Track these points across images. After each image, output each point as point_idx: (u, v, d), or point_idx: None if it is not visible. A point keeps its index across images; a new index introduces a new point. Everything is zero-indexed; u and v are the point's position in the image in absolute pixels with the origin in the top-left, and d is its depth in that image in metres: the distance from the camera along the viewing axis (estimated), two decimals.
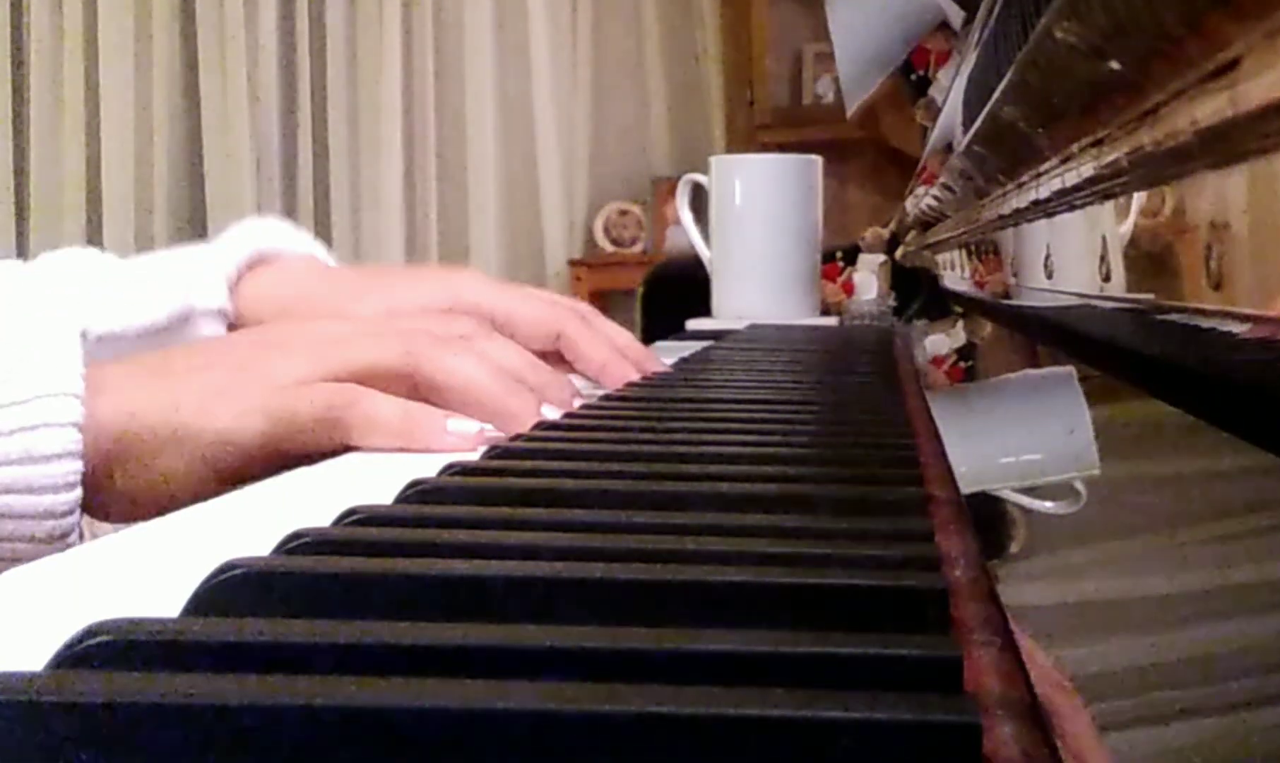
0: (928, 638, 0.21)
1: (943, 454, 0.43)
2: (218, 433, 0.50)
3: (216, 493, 0.52)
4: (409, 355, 0.53)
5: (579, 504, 0.33)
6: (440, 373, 0.53)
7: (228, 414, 0.51)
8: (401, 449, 0.50)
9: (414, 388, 0.53)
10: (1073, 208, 0.51)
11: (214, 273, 0.66)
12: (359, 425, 0.50)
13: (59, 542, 0.50)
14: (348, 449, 0.51)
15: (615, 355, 0.65)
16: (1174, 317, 0.36)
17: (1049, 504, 0.48)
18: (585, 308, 0.69)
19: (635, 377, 0.65)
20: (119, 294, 0.62)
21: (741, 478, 0.37)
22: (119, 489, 0.51)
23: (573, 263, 3.81)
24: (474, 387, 0.53)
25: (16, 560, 0.49)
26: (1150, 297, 0.39)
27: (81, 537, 0.51)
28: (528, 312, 0.65)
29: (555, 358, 0.64)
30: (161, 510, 0.53)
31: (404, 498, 0.34)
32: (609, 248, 3.83)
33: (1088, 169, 0.44)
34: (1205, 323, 0.32)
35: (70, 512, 0.49)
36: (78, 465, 0.49)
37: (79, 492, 0.49)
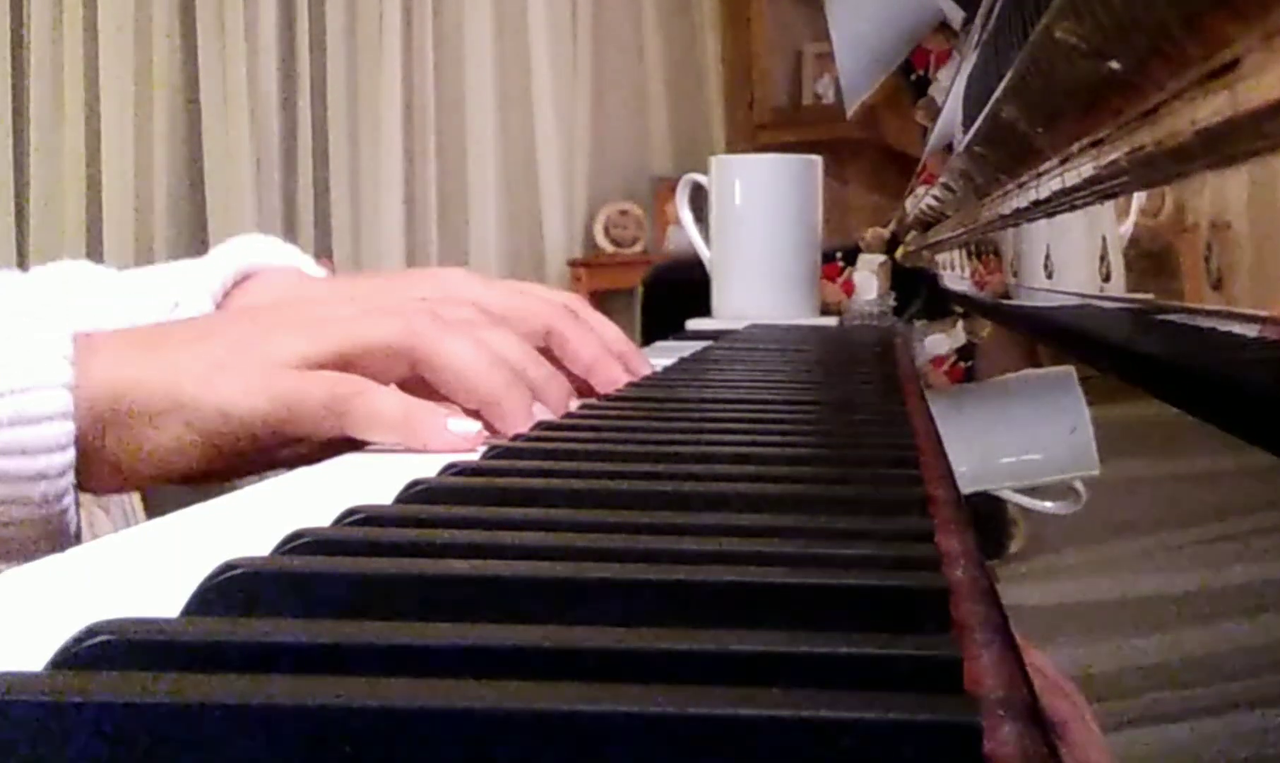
0: (928, 638, 0.21)
1: (943, 454, 0.43)
2: (218, 407, 0.50)
3: (207, 467, 0.52)
4: (409, 333, 0.53)
5: (579, 504, 0.33)
6: (439, 354, 0.53)
7: (230, 389, 0.50)
8: (400, 445, 0.50)
9: (412, 367, 0.53)
10: (1073, 208, 0.51)
11: (200, 286, 0.66)
12: (360, 418, 0.50)
13: (53, 505, 0.50)
14: (345, 438, 0.51)
15: (604, 354, 0.65)
16: (1174, 317, 0.36)
17: (1049, 504, 0.48)
18: (576, 302, 0.69)
19: (624, 376, 0.65)
20: (106, 305, 0.62)
21: (741, 478, 0.37)
22: (109, 456, 0.51)
23: (573, 263, 3.81)
24: (471, 373, 0.52)
25: (9, 523, 0.49)
26: (1150, 297, 0.39)
27: (78, 505, 0.51)
28: (519, 308, 0.65)
29: (547, 355, 0.64)
30: (148, 482, 0.53)
31: (404, 498, 0.34)
32: (609, 248, 3.83)
33: (1088, 169, 0.44)
34: (1205, 323, 0.32)
35: (63, 473, 0.49)
36: (70, 427, 0.49)
37: (72, 453, 0.49)
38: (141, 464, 0.51)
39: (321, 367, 0.52)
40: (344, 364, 0.52)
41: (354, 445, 0.51)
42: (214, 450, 0.51)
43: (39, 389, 0.49)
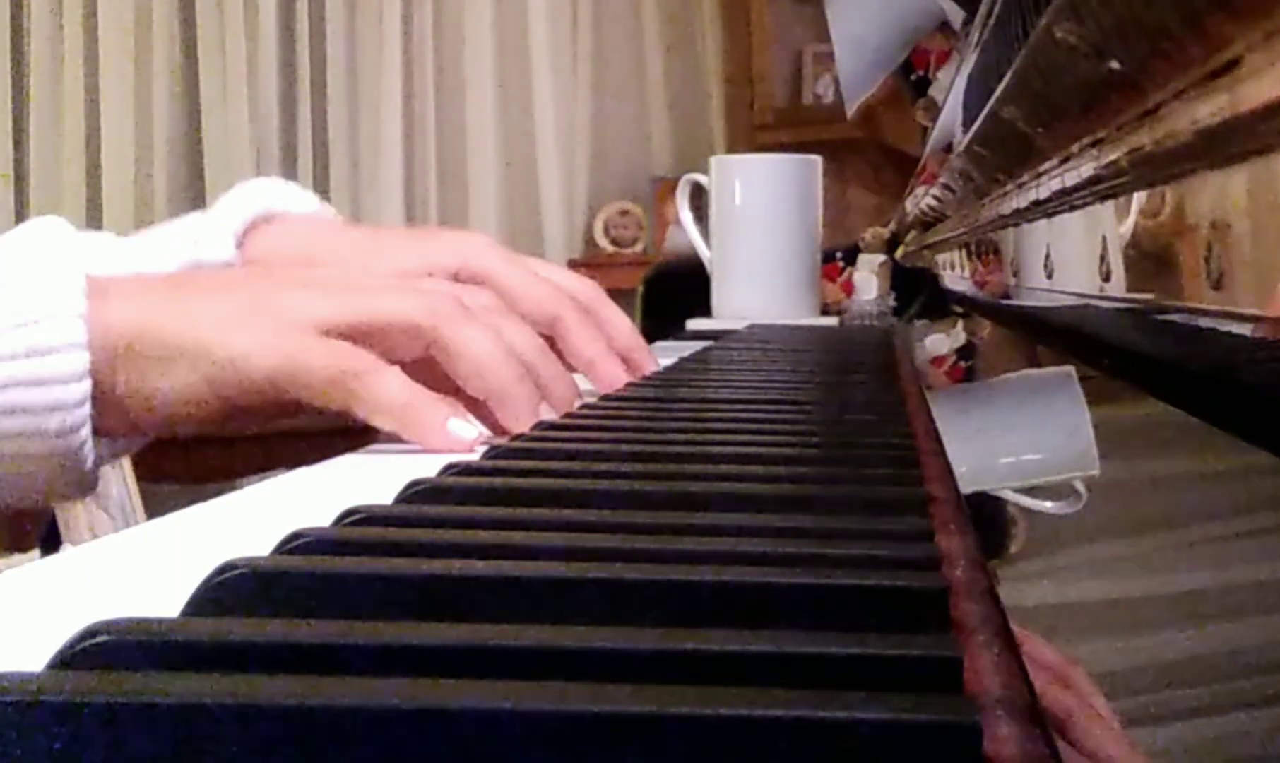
0: (928, 638, 0.21)
1: (943, 454, 0.43)
2: (230, 357, 0.51)
3: (209, 419, 0.52)
4: (431, 315, 0.53)
5: (579, 504, 0.33)
6: (456, 340, 0.53)
7: (243, 341, 0.51)
8: (396, 434, 0.50)
9: (427, 348, 0.53)
10: (1073, 208, 0.51)
11: (221, 228, 0.66)
12: (363, 398, 0.50)
13: (70, 438, 0.50)
14: (348, 418, 0.51)
15: (606, 355, 0.65)
16: (1174, 317, 0.36)
17: (1049, 504, 0.48)
18: (592, 293, 0.68)
19: (625, 378, 0.64)
20: (124, 256, 0.62)
21: (741, 478, 0.37)
22: (118, 397, 0.51)
23: (573, 263, 3.80)
24: (486, 363, 0.53)
25: (29, 457, 0.50)
26: (1150, 297, 0.39)
27: (96, 447, 0.51)
28: (532, 292, 0.64)
29: (553, 344, 0.64)
30: (155, 428, 0.53)
31: (404, 498, 0.34)
32: (609, 248, 3.83)
33: (1088, 169, 0.44)
34: (1205, 323, 0.32)
35: (79, 404, 0.49)
36: (85, 357, 0.49)
37: (88, 384, 0.49)
38: (149, 410, 0.51)
39: (339, 334, 0.52)
40: (361, 334, 0.52)
41: (353, 440, 0.51)
42: (220, 402, 0.51)
43: (53, 319, 0.49)
